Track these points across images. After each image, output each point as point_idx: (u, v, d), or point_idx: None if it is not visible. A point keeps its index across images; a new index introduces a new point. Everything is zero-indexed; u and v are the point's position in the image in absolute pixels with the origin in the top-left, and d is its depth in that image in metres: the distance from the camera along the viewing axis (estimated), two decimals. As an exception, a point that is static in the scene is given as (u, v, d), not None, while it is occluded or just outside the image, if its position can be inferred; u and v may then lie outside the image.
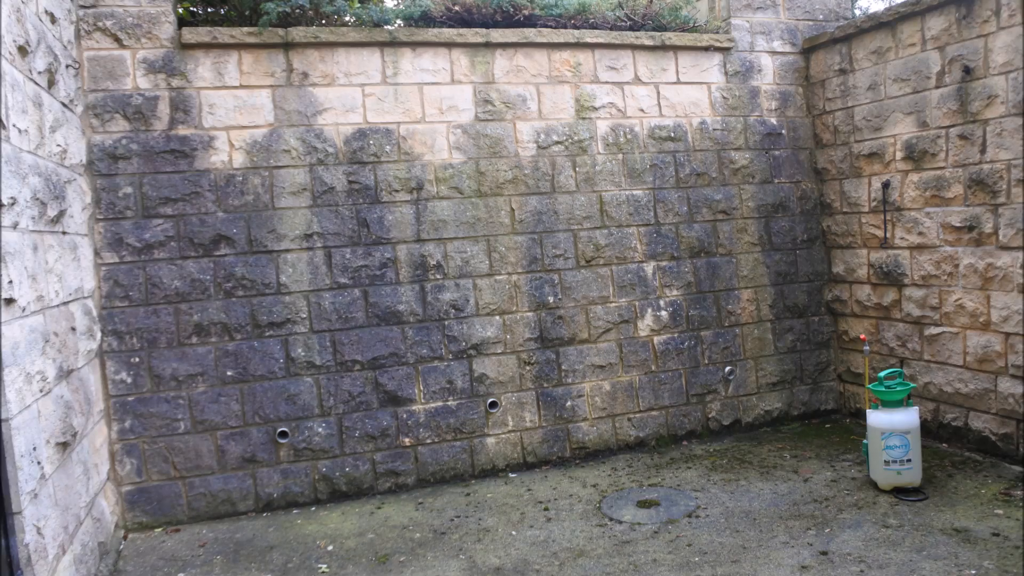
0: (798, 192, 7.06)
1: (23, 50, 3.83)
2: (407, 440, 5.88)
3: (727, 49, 6.76)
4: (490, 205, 6.11)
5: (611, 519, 5.03)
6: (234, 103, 5.52)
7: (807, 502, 5.09)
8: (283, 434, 5.57)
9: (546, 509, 5.29)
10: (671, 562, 4.34)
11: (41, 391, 3.73)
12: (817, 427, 6.86)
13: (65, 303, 4.34)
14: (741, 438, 6.66)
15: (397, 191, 5.88)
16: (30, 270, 3.73)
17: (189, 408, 5.40)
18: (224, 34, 5.45)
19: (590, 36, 6.30)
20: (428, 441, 5.94)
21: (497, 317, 6.12)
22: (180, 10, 5.70)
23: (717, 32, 6.84)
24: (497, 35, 6.05)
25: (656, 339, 6.56)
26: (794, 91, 7.05)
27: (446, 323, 5.98)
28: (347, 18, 6.08)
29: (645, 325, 6.53)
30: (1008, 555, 4.09)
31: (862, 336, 5.86)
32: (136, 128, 5.32)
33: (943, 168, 5.85)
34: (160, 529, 5.30)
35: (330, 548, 4.84)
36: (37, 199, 3.91)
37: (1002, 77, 5.32)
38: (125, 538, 5.16)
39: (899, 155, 6.22)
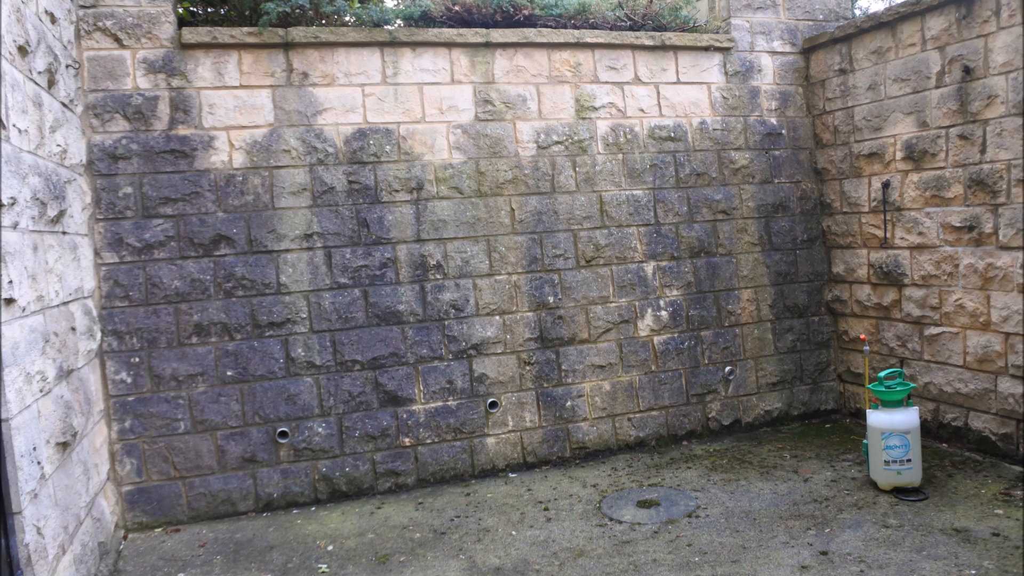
0: (798, 192, 7.06)
1: (23, 50, 3.83)
2: (407, 440, 5.88)
3: (727, 49, 6.76)
4: (490, 205, 6.11)
5: (611, 519, 5.03)
6: (234, 103, 5.52)
7: (807, 502, 5.09)
8: (283, 434, 5.57)
9: (546, 509, 5.29)
10: (671, 562, 4.34)
11: (41, 391, 3.73)
12: (817, 427, 6.86)
13: (65, 303, 4.34)
14: (741, 438, 6.67)
15: (397, 191, 5.88)
16: (30, 270, 3.73)
17: (189, 408, 5.40)
18: (224, 34, 5.45)
19: (590, 36, 6.30)
20: (428, 441, 5.94)
21: (497, 317, 6.12)
22: (180, 10, 5.70)
23: (717, 32, 6.85)
24: (497, 35, 6.05)
25: (656, 339, 6.56)
26: (794, 91, 7.05)
27: (446, 323, 5.98)
28: (347, 18, 6.08)
29: (645, 325, 6.53)
30: (1008, 555, 4.09)
31: (862, 336, 5.86)
32: (136, 128, 5.32)
33: (943, 168, 5.85)
34: (160, 529, 5.30)
35: (330, 548, 4.84)
36: (37, 199, 3.91)
37: (1002, 77, 5.32)
38: (125, 538, 5.16)
39: (899, 155, 6.22)
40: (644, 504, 5.25)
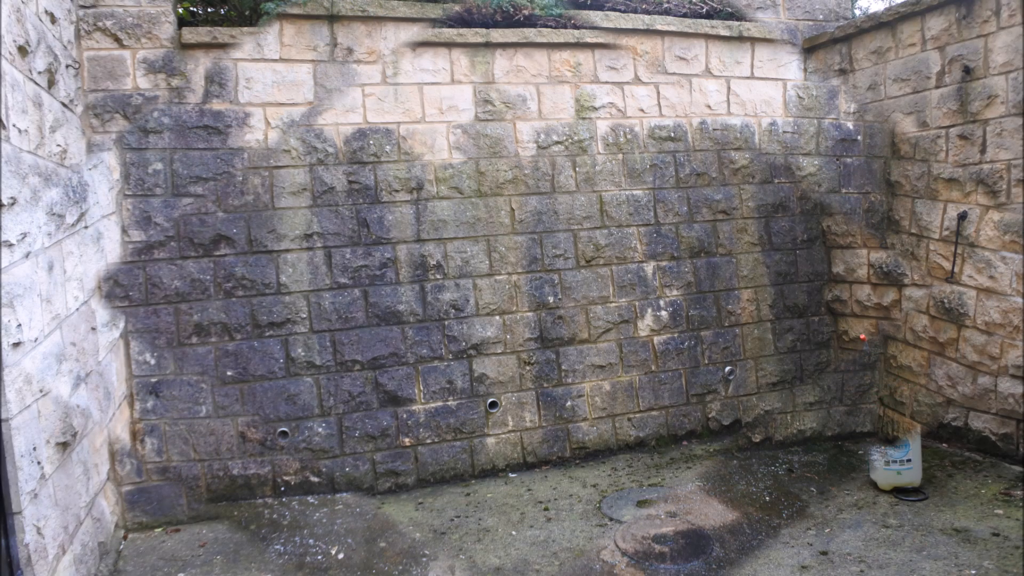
0: (798, 192, 7.05)
1: (23, 50, 3.83)
2: (407, 440, 5.88)
3: (727, 49, 6.76)
4: (490, 205, 6.11)
5: (611, 519, 5.03)
6: (234, 103, 5.52)
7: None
8: (283, 434, 5.57)
9: (546, 509, 5.29)
10: (671, 562, 4.34)
11: (41, 391, 3.73)
12: (817, 427, 6.86)
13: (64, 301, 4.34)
14: (741, 438, 6.66)
15: (397, 191, 5.88)
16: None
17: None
18: (224, 34, 5.44)
19: (590, 36, 6.30)
20: (428, 441, 5.93)
21: (497, 317, 6.12)
22: (180, 10, 5.70)
23: (717, 32, 6.84)
24: (497, 35, 6.05)
25: (656, 339, 6.56)
26: (794, 91, 7.04)
27: (446, 323, 5.98)
28: (347, 18, 6.07)
29: (645, 325, 6.52)
30: (1008, 555, 4.09)
31: (862, 336, 5.85)
32: (136, 128, 5.32)
33: (943, 168, 5.85)
34: (160, 529, 5.30)
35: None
36: (37, 199, 3.91)
37: (1002, 77, 5.32)
38: (125, 538, 5.16)
39: (899, 155, 6.22)
40: (644, 504, 5.25)
